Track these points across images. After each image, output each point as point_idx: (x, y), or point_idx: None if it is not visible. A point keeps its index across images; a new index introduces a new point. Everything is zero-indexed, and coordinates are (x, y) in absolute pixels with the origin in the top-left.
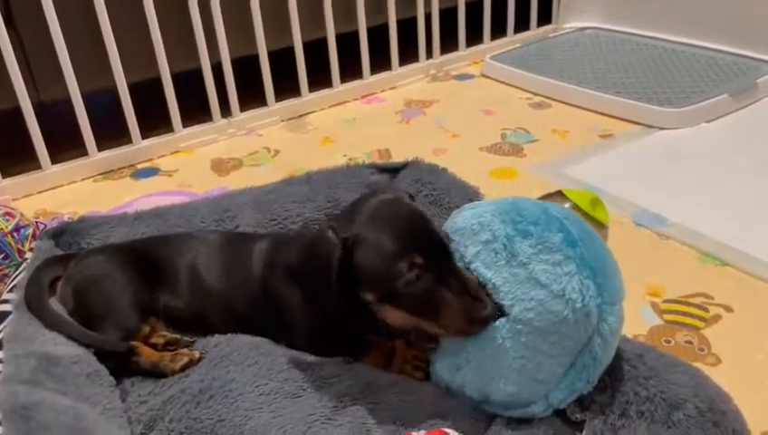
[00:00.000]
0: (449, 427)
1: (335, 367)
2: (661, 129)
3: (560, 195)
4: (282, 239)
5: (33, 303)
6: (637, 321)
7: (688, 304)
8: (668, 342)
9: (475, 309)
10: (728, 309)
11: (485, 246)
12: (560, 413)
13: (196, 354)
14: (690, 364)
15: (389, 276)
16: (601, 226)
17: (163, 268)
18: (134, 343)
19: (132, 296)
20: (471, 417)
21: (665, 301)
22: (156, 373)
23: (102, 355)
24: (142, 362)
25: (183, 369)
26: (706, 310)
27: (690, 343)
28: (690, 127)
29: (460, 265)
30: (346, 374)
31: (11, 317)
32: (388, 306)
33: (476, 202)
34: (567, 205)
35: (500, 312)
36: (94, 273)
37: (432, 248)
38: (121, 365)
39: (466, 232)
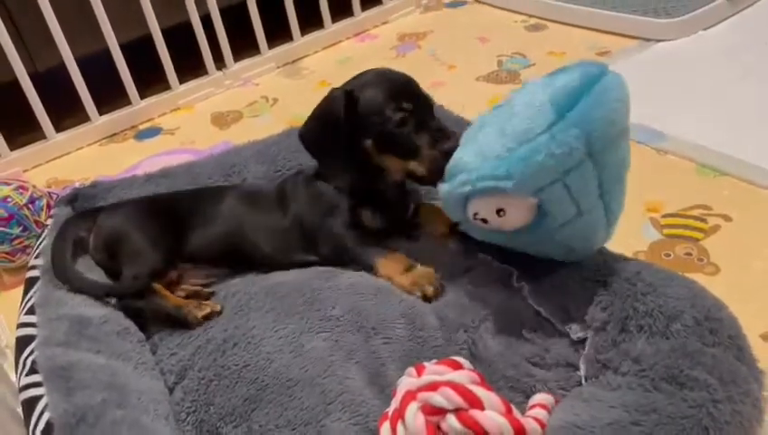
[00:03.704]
0: (455, 355)
1: (346, 305)
2: (658, 41)
3: None
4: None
5: (57, 267)
6: (637, 238)
7: (687, 217)
8: (668, 255)
9: (445, 142)
10: (727, 218)
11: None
12: (562, 333)
13: (218, 307)
14: (686, 277)
15: (382, 118)
16: None
17: (190, 214)
18: (154, 284)
19: (158, 240)
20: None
21: (664, 215)
22: (180, 318)
23: (128, 309)
24: (164, 303)
25: (207, 318)
26: (705, 221)
27: (690, 254)
28: (687, 36)
29: None
30: (356, 312)
31: (39, 283)
32: (383, 155)
33: None
34: None
35: None
36: (123, 221)
37: (418, 101)
38: (143, 308)
39: None
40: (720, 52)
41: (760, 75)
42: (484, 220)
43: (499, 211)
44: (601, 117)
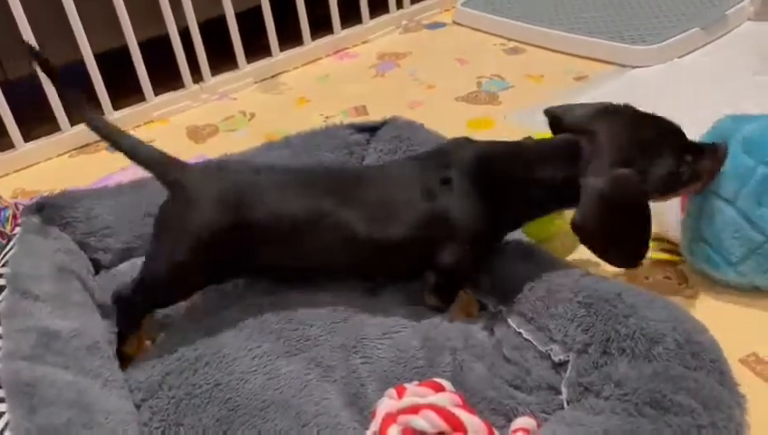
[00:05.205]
0: (437, 377)
1: (324, 324)
2: (634, 67)
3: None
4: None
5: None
6: None
7: (666, 241)
8: (647, 278)
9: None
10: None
11: None
12: (543, 355)
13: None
14: (667, 299)
15: (676, 184)
16: None
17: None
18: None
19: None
20: (457, 362)
21: None
22: None
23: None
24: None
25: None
26: None
27: (669, 278)
28: (662, 63)
29: None
30: (335, 331)
31: (5, 292)
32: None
33: None
34: None
35: None
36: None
37: (684, 140)
38: None
39: None
40: (694, 79)
41: (732, 102)
42: None
43: None
44: None
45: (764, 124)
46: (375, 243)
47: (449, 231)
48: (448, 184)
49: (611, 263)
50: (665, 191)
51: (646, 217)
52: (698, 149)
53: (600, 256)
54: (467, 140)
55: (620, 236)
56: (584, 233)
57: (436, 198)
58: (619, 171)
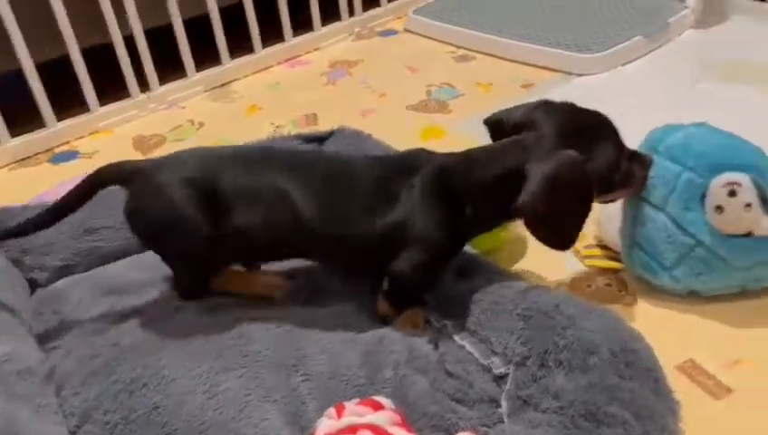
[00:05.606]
0: (377, 393)
1: (265, 339)
2: (579, 75)
3: None
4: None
5: None
6: (559, 269)
7: (606, 248)
8: (589, 286)
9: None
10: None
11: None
12: (486, 368)
13: None
14: (605, 308)
15: (612, 174)
16: None
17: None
18: None
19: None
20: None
21: (585, 246)
22: None
23: None
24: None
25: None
26: None
27: (610, 285)
28: (607, 71)
29: None
30: (275, 347)
31: None
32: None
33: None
34: None
35: None
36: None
37: (620, 138)
38: None
39: None
40: (636, 86)
41: (672, 110)
42: (721, 208)
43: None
44: None
45: (689, 132)
46: (330, 236)
47: (405, 239)
48: (409, 191)
49: (547, 244)
50: (604, 183)
51: (588, 202)
52: (631, 154)
53: (538, 238)
54: (425, 151)
55: (561, 218)
56: (529, 213)
57: (396, 204)
58: (564, 152)
